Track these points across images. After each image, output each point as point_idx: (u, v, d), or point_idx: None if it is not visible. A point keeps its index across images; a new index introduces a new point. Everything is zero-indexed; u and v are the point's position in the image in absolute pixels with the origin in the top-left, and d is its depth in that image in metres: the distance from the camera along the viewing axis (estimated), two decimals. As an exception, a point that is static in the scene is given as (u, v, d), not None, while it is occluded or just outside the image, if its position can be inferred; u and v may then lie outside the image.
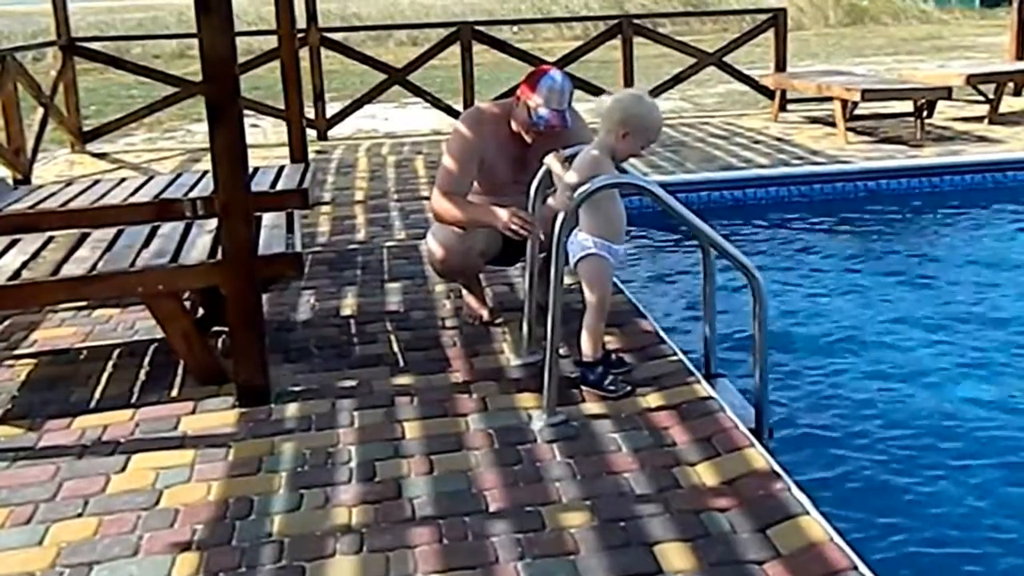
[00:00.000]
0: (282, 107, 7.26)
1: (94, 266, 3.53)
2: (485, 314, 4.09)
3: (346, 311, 4.35)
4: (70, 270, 3.51)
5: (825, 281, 5.43)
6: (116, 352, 3.93)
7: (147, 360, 3.83)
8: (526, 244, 3.71)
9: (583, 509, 2.65)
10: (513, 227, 3.57)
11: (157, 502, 2.78)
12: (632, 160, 7.66)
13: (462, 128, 3.88)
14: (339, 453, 3.03)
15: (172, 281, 3.47)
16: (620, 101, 3.27)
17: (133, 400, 3.47)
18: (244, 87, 3.50)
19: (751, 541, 2.46)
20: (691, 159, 7.72)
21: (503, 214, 3.60)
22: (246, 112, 3.50)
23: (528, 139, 3.79)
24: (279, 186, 5.00)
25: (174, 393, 3.51)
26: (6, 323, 4.29)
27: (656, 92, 9.97)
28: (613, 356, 3.54)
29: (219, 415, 3.32)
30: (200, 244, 3.72)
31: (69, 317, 4.36)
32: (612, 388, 3.33)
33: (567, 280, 3.27)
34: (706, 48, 10.61)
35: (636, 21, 10.29)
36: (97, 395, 3.54)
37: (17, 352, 3.99)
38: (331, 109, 9.76)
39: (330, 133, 9.65)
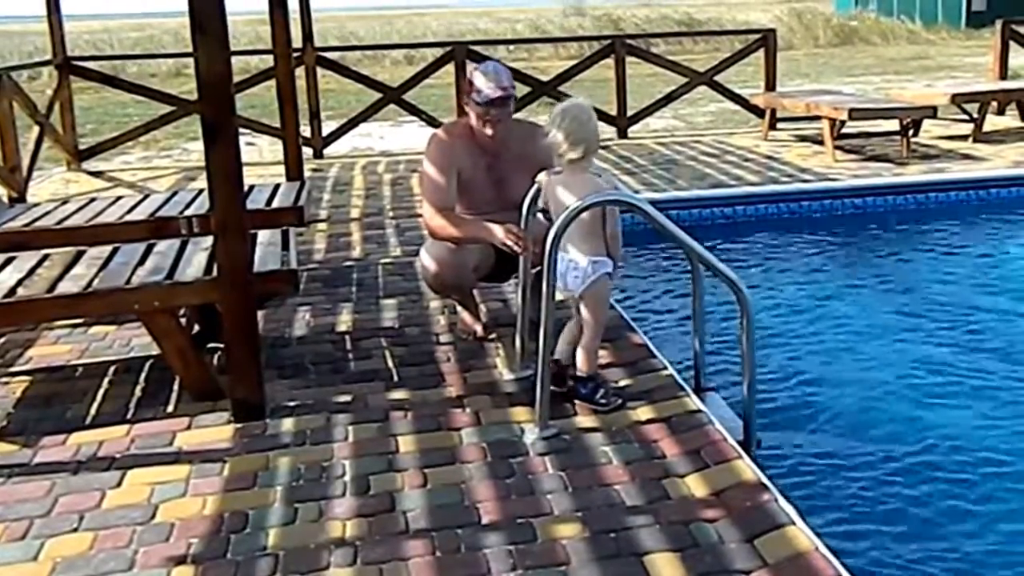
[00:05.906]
0: (278, 125, 7.32)
1: (90, 283, 3.56)
2: (479, 329, 4.14)
3: (341, 327, 4.38)
4: (66, 287, 3.54)
5: (812, 297, 5.48)
6: (112, 369, 3.96)
7: (143, 376, 3.86)
8: (518, 260, 3.75)
9: (575, 521, 2.68)
10: (508, 241, 3.63)
11: (152, 517, 2.80)
12: (624, 178, 7.75)
13: (433, 144, 3.97)
14: (334, 467, 3.05)
15: (168, 298, 3.50)
16: (563, 119, 3.27)
17: (129, 416, 3.50)
18: (240, 105, 3.54)
19: (739, 551, 2.50)
20: (682, 177, 7.78)
21: (498, 229, 3.66)
22: (242, 130, 3.54)
23: (488, 131, 3.84)
24: (275, 204, 5.03)
25: (170, 409, 3.54)
26: (2, 340, 4.31)
27: (649, 111, 10.11)
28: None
29: (214, 430, 3.35)
30: (196, 261, 3.75)
31: (65, 334, 4.39)
32: (603, 402, 3.37)
33: (558, 296, 3.30)
34: (698, 68, 10.71)
35: (629, 41, 10.41)
36: (93, 411, 3.56)
37: (13, 369, 4.01)
38: (327, 127, 9.81)
39: (326, 151, 9.70)
